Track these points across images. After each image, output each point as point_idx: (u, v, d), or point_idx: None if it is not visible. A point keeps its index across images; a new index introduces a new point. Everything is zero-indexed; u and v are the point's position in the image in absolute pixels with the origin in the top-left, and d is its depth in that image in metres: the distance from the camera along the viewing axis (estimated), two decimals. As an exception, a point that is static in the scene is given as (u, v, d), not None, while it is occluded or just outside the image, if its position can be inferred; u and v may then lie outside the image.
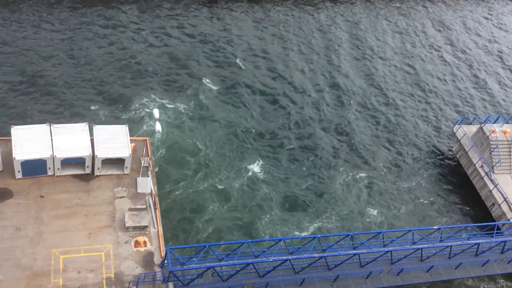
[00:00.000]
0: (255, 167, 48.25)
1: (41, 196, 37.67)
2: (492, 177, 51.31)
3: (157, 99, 50.81)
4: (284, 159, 50.29)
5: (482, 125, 54.04)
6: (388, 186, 50.81)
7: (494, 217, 50.18)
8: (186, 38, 60.34)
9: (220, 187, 45.32)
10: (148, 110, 48.60)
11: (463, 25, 77.11)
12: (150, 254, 36.51)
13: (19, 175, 37.83)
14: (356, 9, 72.93)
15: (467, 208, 51.63)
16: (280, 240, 37.37)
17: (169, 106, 50.67)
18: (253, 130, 51.92)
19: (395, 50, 68.07)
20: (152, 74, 54.25)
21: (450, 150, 57.16)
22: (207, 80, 55.29)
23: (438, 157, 56.03)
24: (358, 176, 50.65)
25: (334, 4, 72.32)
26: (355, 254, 38.67)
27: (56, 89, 49.88)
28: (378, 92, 61.01)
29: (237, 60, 59.08)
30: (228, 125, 51.39)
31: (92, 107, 48.84)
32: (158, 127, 37.49)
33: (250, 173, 47.49)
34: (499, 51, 74.34)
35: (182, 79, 54.82)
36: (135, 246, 36.66)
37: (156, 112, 37.63)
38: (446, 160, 56.03)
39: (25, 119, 45.82)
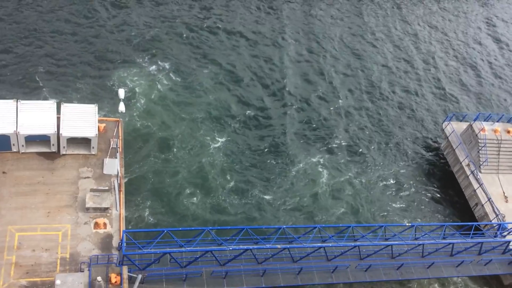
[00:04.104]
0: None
1: (4, 172, 37.20)
2: (478, 176, 49.71)
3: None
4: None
5: (472, 122, 52.36)
6: (370, 179, 49.51)
7: (477, 218, 48.67)
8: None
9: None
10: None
11: (465, 19, 75.05)
12: (109, 237, 35.89)
13: (-19, 150, 37.49)
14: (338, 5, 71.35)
15: (450, 207, 50.19)
16: (243, 229, 36.41)
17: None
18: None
19: (392, 41, 66.45)
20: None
21: (438, 146, 55.56)
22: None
23: (425, 153, 54.52)
24: (340, 166, 49.44)
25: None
26: (320, 247, 37.66)
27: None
28: (366, 84, 59.53)
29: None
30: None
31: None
32: (121, 107, 36.83)
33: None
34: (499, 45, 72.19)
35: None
36: (95, 228, 36.07)
37: (121, 92, 36.94)
38: (432, 157, 54.49)
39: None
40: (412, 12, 72.69)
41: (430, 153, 54.71)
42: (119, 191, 38.26)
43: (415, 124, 57.00)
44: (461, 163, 51.08)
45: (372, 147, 52.74)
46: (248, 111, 51.92)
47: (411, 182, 50.95)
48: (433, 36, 70.02)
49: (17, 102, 38.41)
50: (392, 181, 50.14)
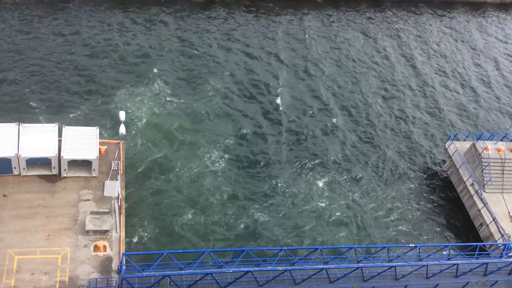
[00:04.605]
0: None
1: (4, 195, 37.32)
2: (482, 196, 49.20)
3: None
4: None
5: (475, 141, 52.06)
6: (372, 199, 49.15)
7: (482, 238, 48.02)
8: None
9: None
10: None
11: (470, 36, 75.24)
12: (108, 259, 35.70)
13: (-17, 173, 37.67)
14: (336, 15, 71.83)
15: (454, 227, 49.58)
16: (244, 251, 36.11)
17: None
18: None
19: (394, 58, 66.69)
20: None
21: (441, 167, 55.16)
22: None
23: (428, 173, 54.11)
24: (341, 187, 49.15)
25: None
26: (322, 269, 37.20)
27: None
28: (365, 105, 59.53)
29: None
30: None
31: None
32: (122, 129, 37.03)
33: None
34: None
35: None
36: (94, 251, 35.92)
37: (122, 115, 37.19)
38: (435, 177, 54.06)
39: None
40: (409, 32, 72.94)
41: (433, 173, 54.31)
42: (120, 213, 38.19)
43: (417, 144, 56.71)
44: (465, 182, 50.63)
45: (373, 168, 52.45)
46: (247, 132, 51.95)
47: (414, 202, 50.49)
48: (432, 57, 70.14)
49: (19, 125, 38.75)
50: (394, 202, 49.72)
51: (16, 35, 55.30)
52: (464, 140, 54.91)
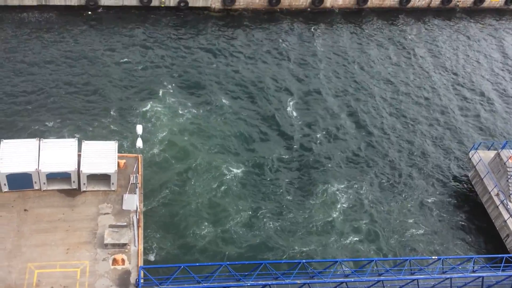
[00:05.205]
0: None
1: (25, 210, 37.85)
2: (508, 206, 47.88)
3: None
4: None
5: (500, 150, 50.82)
6: (394, 209, 48.27)
7: (509, 249, 46.65)
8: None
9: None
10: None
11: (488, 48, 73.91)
12: (127, 273, 35.78)
13: (5, 188, 38.22)
14: (369, 29, 71.38)
15: (479, 238, 48.26)
16: (262, 263, 35.85)
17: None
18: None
19: (414, 71, 65.82)
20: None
21: (465, 176, 53.92)
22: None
23: (452, 183, 52.94)
24: (361, 198, 48.44)
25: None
26: (342, 282, 36.62)
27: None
28: (386, 113, 58.82)
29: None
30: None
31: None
32: (139, 143, 37.33)
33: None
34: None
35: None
36: (113, 264, 36.05)
37: (139, 128, 37.50)
38: (460, 187, 52.86)
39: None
40: (425, 41, 72.12)
41: (457, 183, 53.12)
42: (138, 226, 38.32)
43: (440, 153, 55.64)
44: (489, 192, 49.37)
45: (395, 177, 51.59)
46: (262, 144, 51.79)
47: (437, 213, 49.40)
48: (458, 65, 69.09)
49: (39, 140, 39.40)
50: (417, 212, 48.74)
51: (28, 53, 56.49)
52: (488, 149, 53.70)
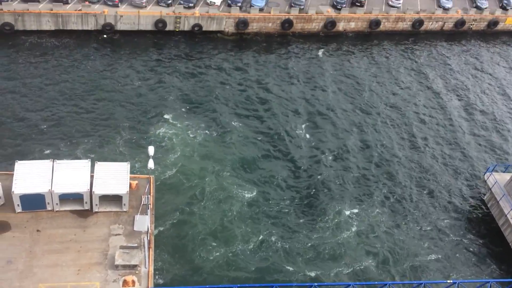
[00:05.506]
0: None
1: (38, 230, 38.10)
2: (525, 230, 46.99)
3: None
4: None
5: (515, 172, 50.17)
6: (407, 232, 47.58)
7: (527, 274, 45.58)
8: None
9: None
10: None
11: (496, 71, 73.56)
12: (137, 294, 35.67)
13: (18, 209, 38.60)
14: (389, 54, 71.59)
15: (495, 262, 47.21)
16: (271, 287, 35.51)
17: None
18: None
19: (427, 94, 65.63)
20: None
21: (480, 199, 53.11)
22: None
23: (467, 206, 52.16)
24: (374, 220, 47.90)
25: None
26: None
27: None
28: (401, 134, 58.52)
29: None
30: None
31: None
32: (151, 164, 37.56)
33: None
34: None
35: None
36: (123, 285, 35.87)
37: (151, 150, 37.78)
38: (475, 210, 52.04)
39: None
40: (437, 63, 72.10)
41: (472, 206, 52.33)
42: (149, 248, 38.28)
43: (453, 175, 55.07)
44: (506, 215, 48.48)
45: (407, 199, 51.03)
46: (274, 165, 51.88)
47: (452, 235, 48.58)
48: (470, 88, 68.80)
49: (53, 161, 39.88)
50: (431, 235, 48.00)
51: (44, 77, 57.68)
52: (504, 172, 52.98)
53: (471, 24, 79.08)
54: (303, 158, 53.22)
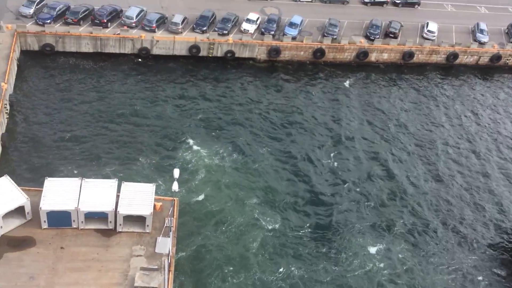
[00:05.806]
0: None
1: (62, 248, 38.73)
2: (558, 274, 45.04)
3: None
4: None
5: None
6: (434, 269, 46.30)
7: (559, 321, 43.48)
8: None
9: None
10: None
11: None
12: (154, 317, 35.62)
13: (45, 225, 39.41)
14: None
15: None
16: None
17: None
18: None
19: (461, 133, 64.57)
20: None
21: (509, 237, 51.37)
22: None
23: (494, 244, 50.44)
24: (399, 255, 46.84)
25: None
26: None
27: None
28: (428, 166, 57.46)
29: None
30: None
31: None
32: (175, 186, 37.95)
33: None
34: None
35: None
36: (141, 307, 36.03)
37: (176, 172, 38.21)
38: (503, 249, 50.20)
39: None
40: (467, 99, 70.88)
41: (499, 244, 50.54)
42: (169, 270, 38.36)
43: (486, 210, 53.52)
44: (538, 258, 46.73)
45: (435, 234, 49.76)
46: (299, 192, 51.72)
47: (483, 274, 46.96)
48: (502, 125, 67.27)
49: (81, 180, 40.74)
50: (459, 273, 46.51)
51: (83, 100, 59.31)
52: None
53: (508, 59, 77.69)
54: (327, 187, 52.82)
